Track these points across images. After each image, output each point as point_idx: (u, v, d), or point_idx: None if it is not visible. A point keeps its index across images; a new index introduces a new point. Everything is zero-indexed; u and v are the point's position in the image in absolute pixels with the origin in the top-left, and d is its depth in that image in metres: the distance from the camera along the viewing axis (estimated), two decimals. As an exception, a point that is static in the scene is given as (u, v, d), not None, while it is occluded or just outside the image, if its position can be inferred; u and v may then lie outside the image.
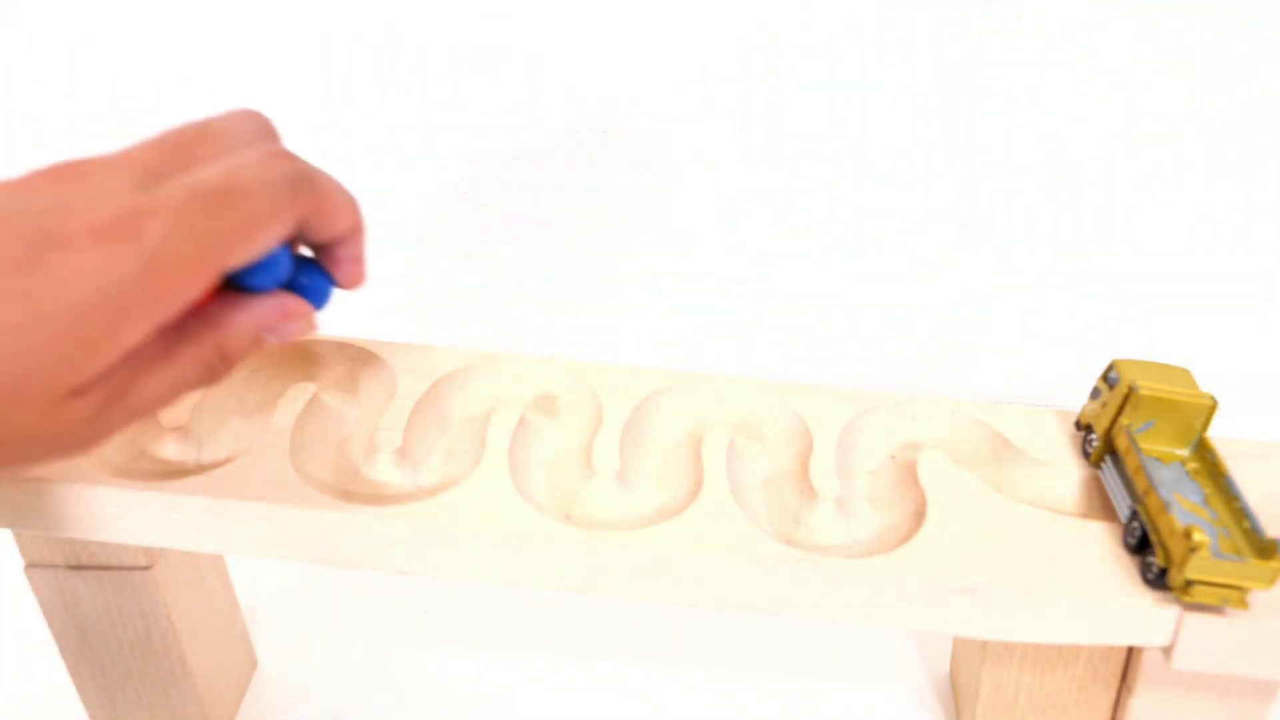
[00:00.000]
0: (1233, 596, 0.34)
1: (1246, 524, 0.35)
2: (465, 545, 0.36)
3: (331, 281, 0.36)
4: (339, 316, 0.39)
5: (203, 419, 0.41)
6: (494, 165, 0.67)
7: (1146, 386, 0.39)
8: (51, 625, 0.43)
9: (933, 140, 0.64)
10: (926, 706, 0.49)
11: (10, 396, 0.28)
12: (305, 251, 0.36)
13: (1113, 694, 0.41)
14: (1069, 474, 0.41)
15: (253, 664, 0.50)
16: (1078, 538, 0.37)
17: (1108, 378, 0.41)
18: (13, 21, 0.64)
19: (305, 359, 0.44)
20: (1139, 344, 0.61)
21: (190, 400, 0.41)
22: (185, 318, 0.32)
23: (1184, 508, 0.36)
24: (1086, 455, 0.41)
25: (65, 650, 0.44)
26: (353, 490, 0.39)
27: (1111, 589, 0.35)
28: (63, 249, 0.28)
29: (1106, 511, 0.39)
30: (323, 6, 0.63)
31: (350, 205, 0.34)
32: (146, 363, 0.31)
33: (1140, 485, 0.37)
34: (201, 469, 0.39)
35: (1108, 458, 0.40)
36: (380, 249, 0.71)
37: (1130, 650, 0.40)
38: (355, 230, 0.35)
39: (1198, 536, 0.33)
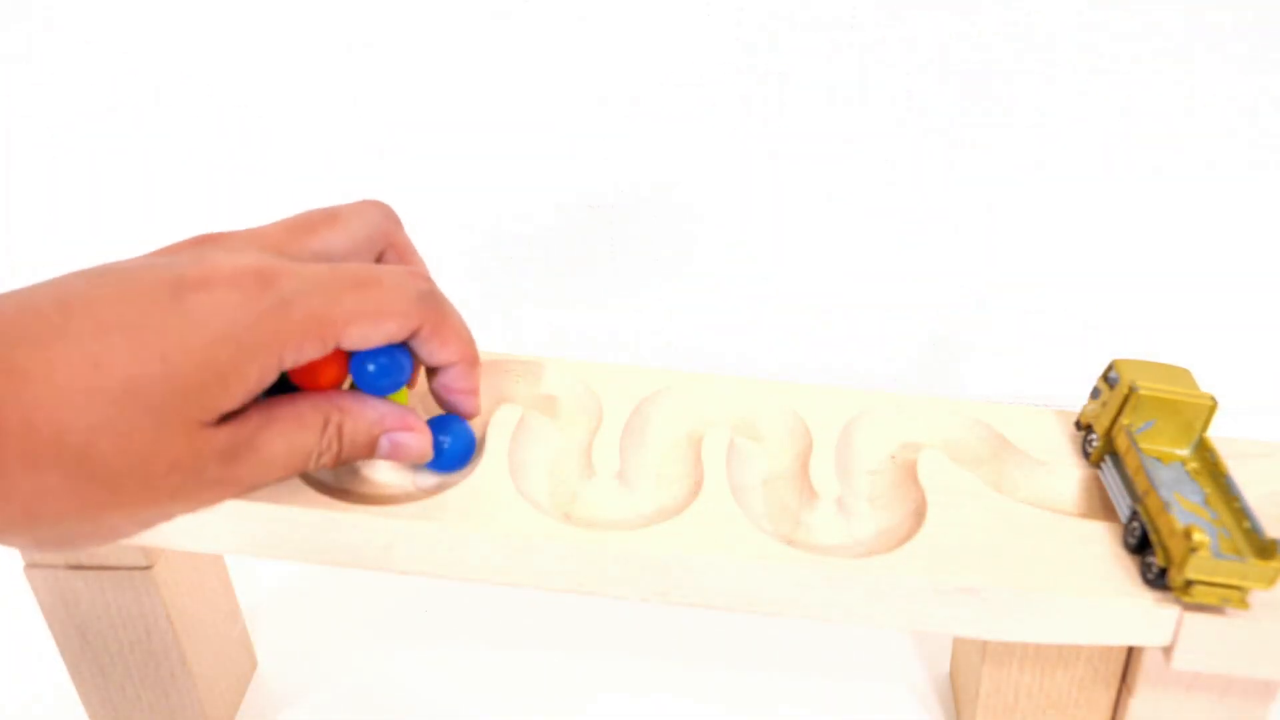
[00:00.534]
0: (1233, 596, 0.34)
1: (1247, 524, 0.35)
2: (465, 545, 0.36)
3: (460, 446, 0.39)
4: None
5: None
6: (493, 165, 0.67)
7: (1146, 386, 0.39)
8: (51, 626, 0.43)
9: (933, 140, 0.64)
10: (926, 706, 0.49)
11: (156, 417, 0.30)
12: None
13: (1113, 694, 0.41)
14: (1069, 474, 0.41)
15: (253, 664, 0.50)
16: (1078, 538, 0.37)
17: (1108, 377, 0.41)
18: (14, 21, 0.64)
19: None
20: (1139, 344, 0.61)
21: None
22: (317, 395, 0.35)
23: (1184, 508, 0.36)
24: (1086, 455, 0.41)
25: (65, 650, 0.44)
26: (353, 490, 0.39)
27: (1111, 589, 0.35)
28: (202, 290, 0.32)
29: (1106, 511, 0.39)
30: (330, 19, 0.63)
31: (466, 336, 0.37)
32: (276, 419, 0.34)
33: (1140, 485, 0.37)
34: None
35: (1108, 457, 0.40)
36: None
37: (1130, 650, 0.40)
38: (467, 360, 0.37)
39: (1198, 536, 0.33)
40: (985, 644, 0.42)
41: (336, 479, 0.39)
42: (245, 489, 0.34)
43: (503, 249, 0.69)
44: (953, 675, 0.50)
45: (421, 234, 0.69)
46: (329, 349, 0.33)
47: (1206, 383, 0.41)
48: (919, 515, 0.38)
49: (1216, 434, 0.40)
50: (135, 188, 0.68)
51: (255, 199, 0.68)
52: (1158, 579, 0.35)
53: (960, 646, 0.49)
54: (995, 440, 0.42)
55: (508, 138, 0.66)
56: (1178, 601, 0.35)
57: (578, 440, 0.42)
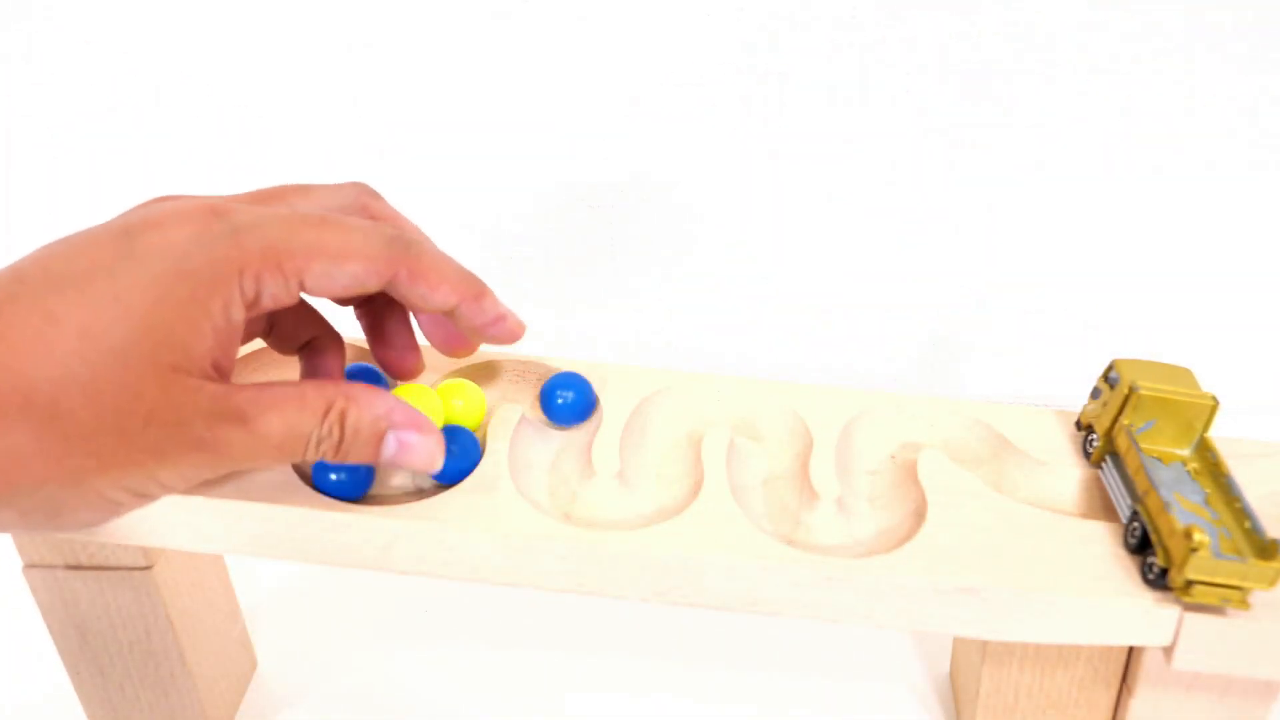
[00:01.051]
0: (1233, 597, 0.34)
1: (1247, 524, 0.35)
2: (465, 545, 0.36)
3: (460, 464, 0.38)
4: (338, 316, 0.39)
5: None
6: (493, 165, 0.67)
7: (1147, 386, 0.39)
8: (50, 626, 0.43)
9: (933, 140, 0.64)
10: (926, 706, 0.49)
11: (122, 364, 0.29)
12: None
13: (1113, 694, 0.41)
14: (1069, 474, 0.41)
15: (253, 664, 0.50)
16: (1078, 538, 0.37)
17: (1108, 377, 0.41)
18: (13, 21, 0.64)
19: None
20: (1140, 343, 0.61)
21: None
22: (324, 380, 0.34)
23: (1184, 508, 0.36)
24: (1087, 455, 0.41)
25: (64, 651, 0.44)
26: (352, 490, 0.39)
27: (1112, 589, 0.35)
28: (152, 230, 0.30)
29: (1107, 511, 0.39)
30: (329, 19, 0.63)
31: (460, 273, 0.35)
32: (275, 395, 0.32)
33: (1141, 485, 0.37)
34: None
35: (1108, 457, 0.40)
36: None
37: (1130, 650, 0.40)
38: (471, 296, 0.35)
39: (1198, 536, 0.33)
40: (985, 644, 0.42)
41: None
42: (237, 463, 0.32)
43: (503, 249, 0.69)
44: (953, 675, 0.50)
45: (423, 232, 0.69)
46: (293, 288, 0.32)
47: (1208, 383, 0.41)
48: (919, 515, 0.38)
49: (1218, 434, 0.40)
50: (134, 188, 0.68)
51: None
52: (1158, 579, 0.35)
53: (960, 646, 0.49)
54: (995, 440, 0.42)
55: (508, 138, 0.66)
56: (1178, 601, 0.35)
57: (578, 440, 0.42)
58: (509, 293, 0.69)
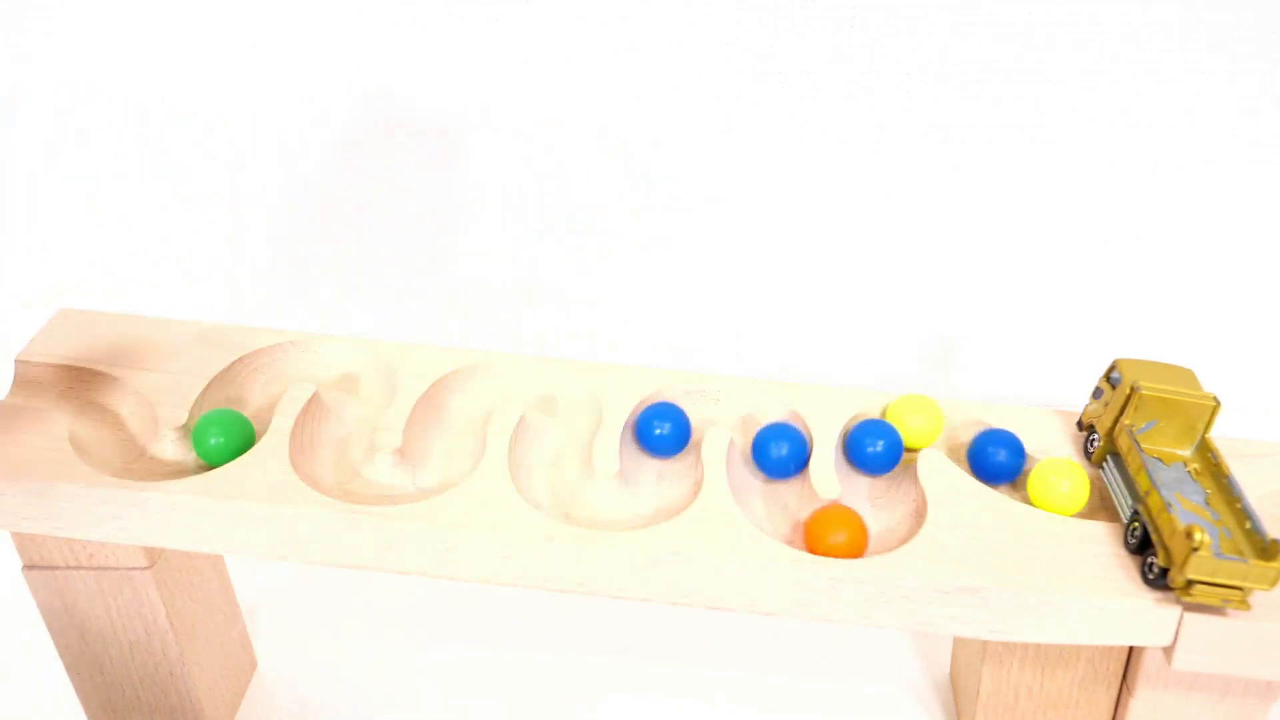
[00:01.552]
0: (1234, 597, 0.34)
1: (1248, 524, 0.35)
2: (465, 545, 0.36)
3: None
4: (339, 316, 0.39)
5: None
6: (493, 166, 0.67)
7: (1149, 386, 0.39)
8: (50, 626, 0.43)
9: (934, 140, 0.64)
10: (926, 706, 0.49)
11: None
12: None
13: (1113, 694, 0.41)
14: (1070, 474, 0.41)
15: (252, 664, 0.50)
16: (1079, 538, 0.37)
17: (1110, 377, 0.41)
18: (14, 22, 0.64)
19: (305, 360, 0.44)
20: (1141, 343, 0.61)
21: (188, 400, 0.41)
22: None
23: (1185, 508, 0.36)
24: (1088, 455, 0.41)
25: (64, 651, 0.44)
26: (353, 490, 0.39)
27: (1112, 589, 0.35)
28: None
29: (1108, 512, 0.39)
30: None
31: None
32: None
33: (1142, 485, 0.37)
34: (201, 469, 0.39)
35: (1109, 458, 0.40)
36: (380, 249, 0.71)
37: (1131, 650, 0.40)
38: None
39: (1199, 536, 0.33)
40: (985, 644, 0.42)
41: (337, 479, 0.39)
42: None
43: (503, 249, 0.69)
44: (953, 675, 0.50)
45: (423, 234, 0.69)
46: None
47: (1209, 383, 0.41)
48: (919, 515, 0.38)
49: (1219, 434, 0.40)
50: (131, 187, 0.68)
51: (253, 196, 0.68)
52: (1159, 579, 0.35)
53: (960, 646, 0.49)
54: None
55: (509, 137, 0.66)
56: (1178, 601, 0.35)
57: (578, 440, 0.42)
58: (510, 293, 0.70)
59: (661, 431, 0.41)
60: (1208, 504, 0.37)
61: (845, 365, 0.68)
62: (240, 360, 0.43)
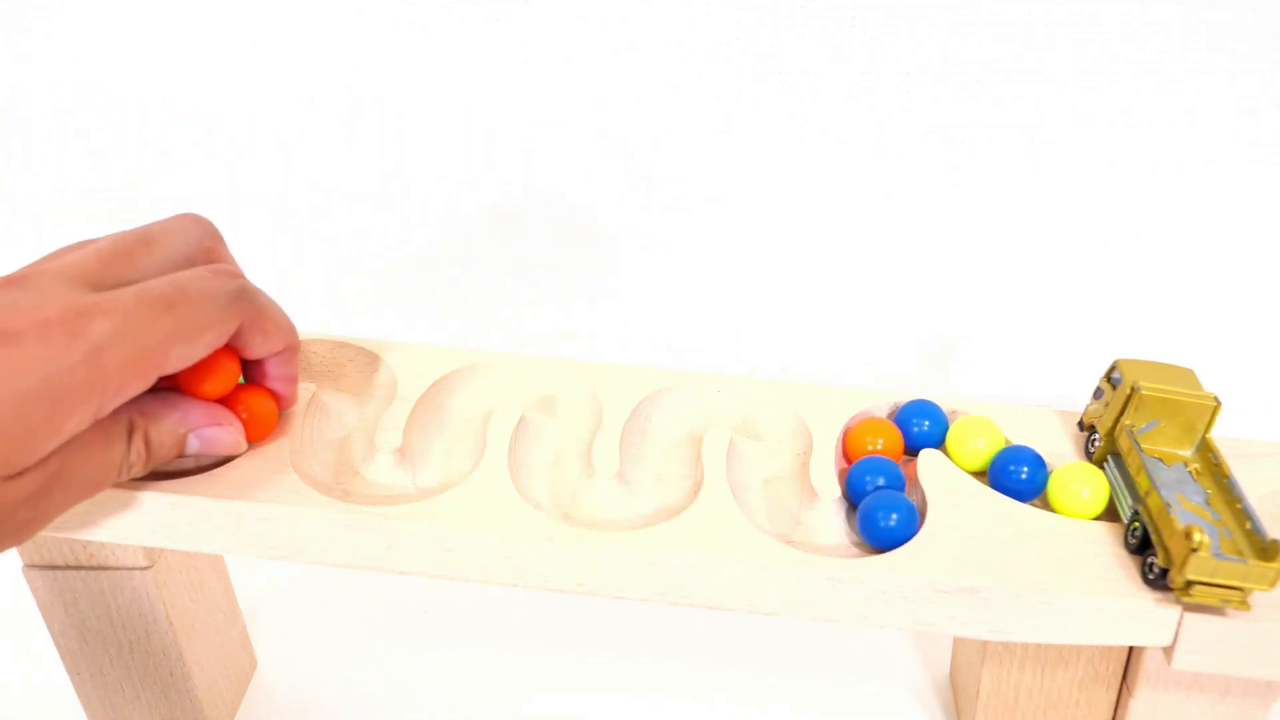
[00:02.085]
0: (1234, 597, 0.34)
1: (1248, 525, 0.35)
2: (465, 545, 0.36)
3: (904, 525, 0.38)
4: (338, 316, 0.39)
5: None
6: (494, 165, 0.67)
7: (1149, 386, 0.39)
8: (50, 626, 0.43)
9: (934, 139, 0.64)
10: (926, 706, 0.49)
11: None
12: None
13: (1113, 694, 0.41)
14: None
15: (252, 664, 0.50)
16: (1078, 538, 0.37)
17: (1110, 377, 0.41)
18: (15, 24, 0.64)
19: (304, 360, 0.44)
20: (1142, 343, 0.61)
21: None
22: (120, 406, 0.33)
23: (1185, 508, 0.36)
24: (1089, 455, 0.41)
25: (64, 651, 0.44)
26: (352, 490, 0.39)
27: (1112, 589, 0.35)
28: (10, 343, 0.30)
29: (1108, 512, 0.39)
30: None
31: (287, 327, 0.37)
32: (80, 442, 0.32)
33: (1142, 485, 0.37)
34: (201, 469, 0.39)
35: (1110, 458, 0.40)
36: (380, 249, 0.71)
37: (1131, 650, 0.40)
38: (289, 349, 0.38)
39: (1198, 537, 0.33)
40: (985, 644, 0.42)
41: (337, 479, 0.39)
42: (61, 512, 0.33)
43: (504, 249, 0.69)
44: (953, 675, 0.50)
45: (423, 233, 0.69)
46: (152, 380, 0.33)
47: (1210, 383, 0.41)
48: (919, 515, 0.38)
49: (1219, 434, 0.40)
50: (127, 186, 0.68)
51: (252, 196, 0.68)
52: (1158, 579, 0.35)
53: (960, 646, 0.49)
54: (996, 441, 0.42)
55: (510, 138, 0.66)
56: (1178, 602, 0.35)
57: (578, 440, 0.42)
58: (509, 293, 0.70)
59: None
60: (1208, 504, 0.37)
61: (845, 365, 0.68)
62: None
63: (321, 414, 0.41)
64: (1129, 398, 0.39)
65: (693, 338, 0.69)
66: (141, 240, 0.35)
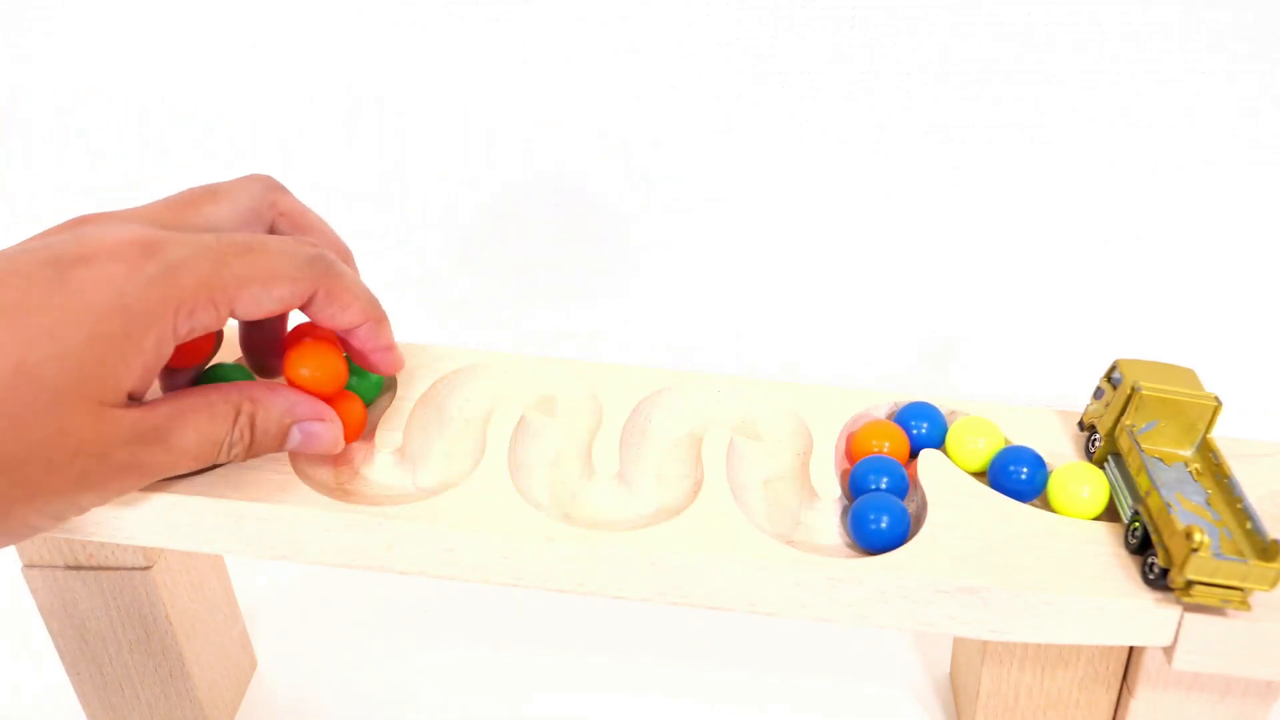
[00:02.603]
0: (1234, 597, 0.34)
1: (1249, 525, 0.35)
2: (465, 545, 0.36)
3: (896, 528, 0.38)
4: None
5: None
6: (493, 165, 0.67)
7: (1150, 386, 0.39)
8: (49, 626, 0.43)
9: (934, 139, 0.64)
10: (926, 706, 0.49)
11: (53, 398, 0.30)
12: None
13: (1113, 694, 0.41)
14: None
15: (252, 664, 0.50)
16: (1079, 538, 0.37)
17: (1111, 377, 0.41)
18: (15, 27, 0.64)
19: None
20: (1143, 343, 0.61)
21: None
22: (228, 386, 0.35)
23: (1186, 508, 0.36)
24: (1089, 456, 0.41)
25: (63, 651, 0.44)
26: (353, 490, 0.39)
27: (1112, 589, 0.35)
28: (84, 265, 0.31)
29: (1108, 512, 0.39)
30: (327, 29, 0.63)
31: (367, 298, 0.37)
32: (187, 409, 0.33)
33: (1142, 485, 0.37)
34: (201, 469, 0.39)
35: (1110, 458, 0.40)
36: (380, 249, 0.71)
37: (1131, 650, 0.40)
38: (373, 319, 0.37)
39: (1199, 537, 0.33)
40: (985, 644, 0.42)
41: (336, 479, 0.39)
42: (154, 476, 0.33)
43: (504, 249, 0.69)
44: (953, 675, 0.50)
45: (423, 233, 0.69)
46: (223, 317, 0.33)
47: (1210, 383, 0.41)
48: (919, 515, 0.38)
49: (1220, 434, 0.40)
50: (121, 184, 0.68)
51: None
52: (1159, 579, 0.35)
53: (960, 646, 0.49)
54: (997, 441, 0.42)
55: (510, 138, 0.66)
56: (1178, 602, 0.35)
57: (578, 440, 0.42)
58: (510, 293, 0.70)
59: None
60: (1208, 504, 0.37)
61: (845, 365, 0.68)
62: (241, 360, 0.43)
63: (321, 414, 0.41)
64: (1129, 398, 0.39)
65: (693, 338, 0.69)
66: (208, 193, 0.36)
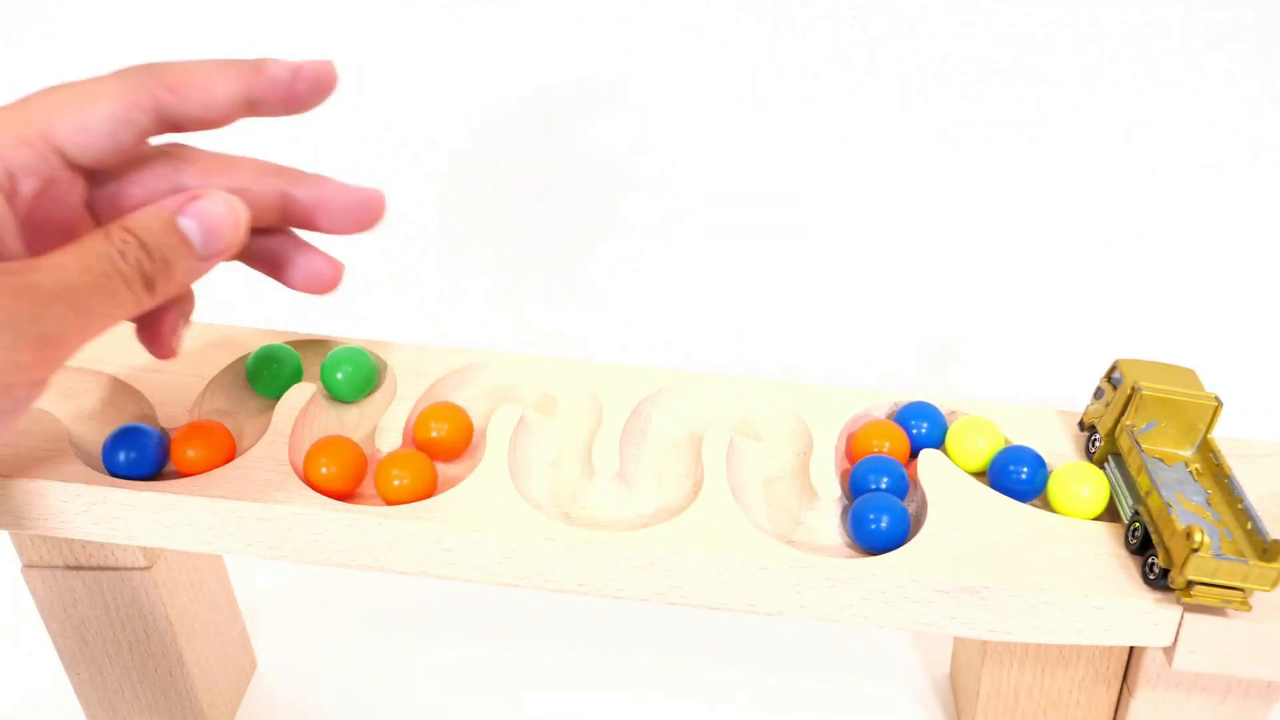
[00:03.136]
0: (1234, 598, 0.34)
1: (1249, 525, 0.35)
2: (465, 545, 0.36)
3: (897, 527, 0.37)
4: (340, 316, 0.39)
5: (202, 419, 0.41)
6: (493, 165, 0.67)
7: (1150, 386, 0.39)
8: (49, 626, 0.43)
9: (934, 139, 0.64)
10: (926, 706, 0.49)
11: None
12: None
13: (1113, 694, 0.41)
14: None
15: (252, 664, 0.50)
16: (1079, 538, 0.37)
17: (1111, 377, 0.41)
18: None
19: (305, 360, 0.44)
20: (1142, 343, 0.61)
21: (189, 400, 0.41)
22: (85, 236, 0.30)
23: (1186, 508, 0.36)
24: (1090, 456, 0.41)
25: (63, 651, 0.44)
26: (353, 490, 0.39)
27: (1113, 589, 0.35)
28: None
29: (1108, 512, 0.39)
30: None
31: (225, 66, 0.32)
32: (58, 247, 0.29)
33: (1143, 486, 0.37)
34: (200, 470, 0.39)
35: (1111, 458, 0.40)
36: (380, 249, 0.71)
37: (1131, 650, 0.40)
38: (253, 71, 0.32)
39: (1199, 537, 0.33)
40: (985, 644, 0.42)
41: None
42: (47, 310, 0.28)
43: (504, 249, 0.69)
44: (953, 675, 0.50)
45: (423, 233, 0.69)
46: (48, 158, 0.30)
47: (1211, 383, 0.41)
48: (919, 515, 0.38)
49: (1220, 435, 0.40)
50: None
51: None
52: (1159, 580, 0.35)
53: (960, 646, 0.49)
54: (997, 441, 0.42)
55: (511, 138, 0.66)
56: (1179, 602, 0.35)
57: (578, 440, 0.42)
58: (510, 293, 0.70)
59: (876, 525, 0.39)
60: (1209, 504, 0.37)
61: (845, 365, 0.68)
62: (241, 360, 0.43)
63: (322, 414, 0.41)
64: (1130, 398, 0.39)
65: (693, 338, 0.69)
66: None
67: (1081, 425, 0.42)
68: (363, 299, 0.68)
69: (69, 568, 0.41)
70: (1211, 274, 0.66)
